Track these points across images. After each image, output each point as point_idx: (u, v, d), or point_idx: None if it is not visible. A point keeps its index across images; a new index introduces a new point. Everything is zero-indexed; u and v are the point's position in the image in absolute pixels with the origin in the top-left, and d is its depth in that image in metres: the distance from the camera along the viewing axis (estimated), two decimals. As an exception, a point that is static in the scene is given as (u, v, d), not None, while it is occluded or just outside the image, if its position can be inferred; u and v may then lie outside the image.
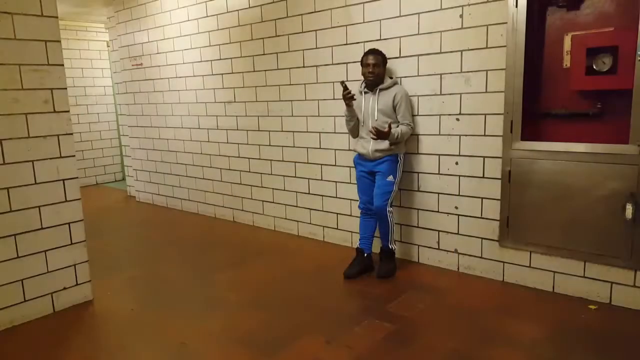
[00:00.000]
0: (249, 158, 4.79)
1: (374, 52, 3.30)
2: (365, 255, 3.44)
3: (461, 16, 3.14)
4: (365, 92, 3.37)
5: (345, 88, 3.28)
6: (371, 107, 3.31)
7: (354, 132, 3.49)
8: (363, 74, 3.32)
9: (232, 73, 4.71)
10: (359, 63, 3.41)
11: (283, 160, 4.47)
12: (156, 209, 5.89)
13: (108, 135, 7.85)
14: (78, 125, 7.36)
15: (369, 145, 3.31)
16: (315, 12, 3.93)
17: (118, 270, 3.71)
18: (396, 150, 3.31)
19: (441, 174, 3.41)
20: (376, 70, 3.25)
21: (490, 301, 2.96)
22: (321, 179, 4.19)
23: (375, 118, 3.28)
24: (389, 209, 3.30)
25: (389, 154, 3.29)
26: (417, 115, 3.45)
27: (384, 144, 3.24)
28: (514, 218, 3.11)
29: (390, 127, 3.15)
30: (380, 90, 3.29)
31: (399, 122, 3.28)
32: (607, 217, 2.76)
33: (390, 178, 3.28)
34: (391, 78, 3.36)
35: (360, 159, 3.43)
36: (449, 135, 3.33)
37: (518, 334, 2.55)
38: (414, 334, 2.58)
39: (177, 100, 5.41)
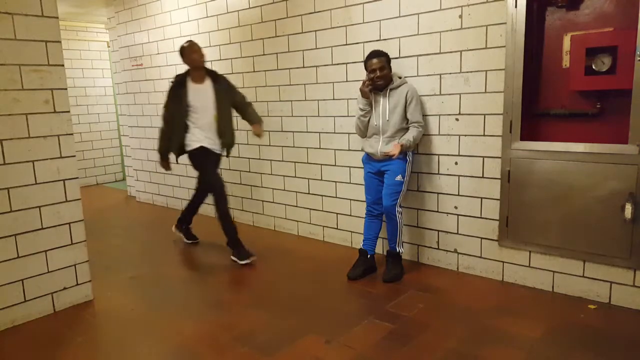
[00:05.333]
0: (249, 158, 4.80)
1: (376, 54, 3.22)
2: (369, 256, 3.43)
3: (460, 16, 3.14)
4: (375, 93, 3.32)
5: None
6: (382, 107, 3.27)
7: (365, 129, 3.39)
8: (370, 80, 3.23)
9: (232, 73, 4.71)
10: (360, 64, 3.39)
11: (283, 160, 4.47)
12: (156, 209, 5.90)
13: (108, 136, 7.86)
14: (78, 126, 7.37)
15: (378, 145, 3.29)
16: (315, 12, 3.93)
17: (118, 270, 3.72)
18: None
19: (441, 174, 3.42)
20: (383, 73, 3.19)
21: (489, 301, 2.96)
22: (321, 179, 4.19)
23: (387, 118, 3.24)
24: (398, 209, 3.28)
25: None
26: (417, 115, 3.45)
27: (393, 144, 3.22)
28: (513, 218, 3.12)
29: (400, 146, 3.14)
30: (391, 90, 3.25)
31: (407, 120, 3.25)
32: (607, 217, 2.77)
33: (399, 178, 3.24)
34: (400, 78, 3.31)
35: (369, 158, 3.40)
36: (448, 135, 3.33)
37: (517, 333, 2.56)
38: (414, 334, 2.58)
39: (177, 100, 5.41)
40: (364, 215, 3.50)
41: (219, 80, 3.87)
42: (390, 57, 3.37)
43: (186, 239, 4.38)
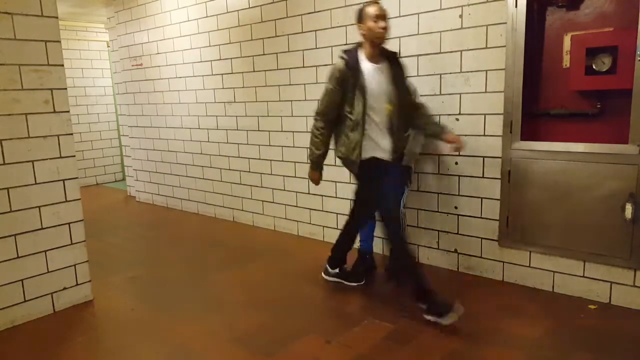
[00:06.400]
0: (249, 158, 4.80)
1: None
2: (367, 256, 3.43)
3: (461, 16, 3.14)
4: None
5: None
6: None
7: None
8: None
9: (232, 73, 4.71)
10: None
11: (283, 160, 4.47)
12: (156, 209, 5.89)
13: (108, 136, 7.86)
14: (78, 125, 7.36)
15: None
16: (315, 12, 3.93)
17: (118, 270, 3.71)
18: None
19: (441, 174, 3.42)
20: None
21: (489, 301, 2.96)
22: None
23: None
24: (402, 210, 3.27)
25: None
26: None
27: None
28: (513, 218, 3.12)
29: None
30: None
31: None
32: (607, 217, 2.77)
33: None
34: None
35: None
36: (448, 135, 3.33)
37: (518, 333, 2.56)
38: (414, 334, 2.58)
39: (177, 100, 5.41)
40: (364, 215, 3.50)
41: (397, 63, 2.88)
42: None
43: (347, 281, 3.26)
